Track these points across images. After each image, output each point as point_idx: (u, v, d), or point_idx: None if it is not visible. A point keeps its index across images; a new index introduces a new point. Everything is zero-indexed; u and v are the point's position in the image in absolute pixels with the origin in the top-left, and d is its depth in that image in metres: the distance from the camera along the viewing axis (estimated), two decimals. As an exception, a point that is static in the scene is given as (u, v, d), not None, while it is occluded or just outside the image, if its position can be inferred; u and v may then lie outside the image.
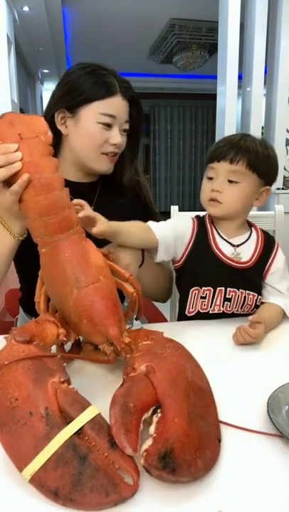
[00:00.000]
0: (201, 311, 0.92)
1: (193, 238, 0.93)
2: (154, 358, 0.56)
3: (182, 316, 0.95)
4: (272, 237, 0.98)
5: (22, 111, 4.36)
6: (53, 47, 5.08)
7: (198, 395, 0.54)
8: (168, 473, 0.43)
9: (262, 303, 0.93)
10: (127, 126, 0.98)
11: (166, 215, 1.12)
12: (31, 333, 0.59)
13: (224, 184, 0.87)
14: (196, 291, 0.91)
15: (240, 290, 0.90)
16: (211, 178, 0.89)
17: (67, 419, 0.47)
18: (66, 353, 0.67)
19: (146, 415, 0.49)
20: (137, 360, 0.56)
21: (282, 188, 3.22)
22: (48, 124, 0.96)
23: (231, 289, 0.90)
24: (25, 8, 3.77)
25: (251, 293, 0.91)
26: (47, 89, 7.28)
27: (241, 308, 0.92)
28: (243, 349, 0.80)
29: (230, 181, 0.87)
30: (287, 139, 3.23)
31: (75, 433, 0.45)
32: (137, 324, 0.99)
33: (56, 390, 0.49)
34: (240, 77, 2.98)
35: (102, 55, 5.68)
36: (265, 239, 0.95)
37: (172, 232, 0.90)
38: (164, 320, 1.43)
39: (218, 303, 0.91)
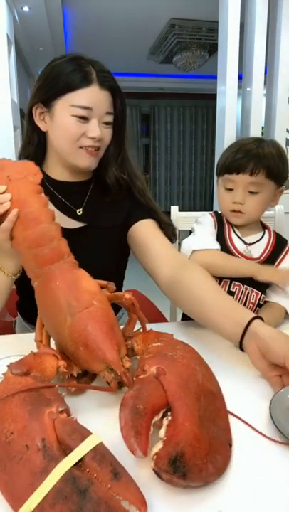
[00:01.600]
0: None
1: (216, 232, 0.97)
2: (164, 360, 0.56)
3: (184, 315, 0.95)
4: (284, 239, 1.00)
5: (22, 111, 4.36)
6: (53, 47, 5.07)
7: (209, 399, 0.53)
8: (178, 478, 0.43)
9: (265, 301, 0.94)
10: (109, 119, 0.92)
11: (165, 215, 1.11)
12: (29, 365, 0.58)
13: (245, 196, 0.88)
14: None
15: (245, 286, 0.91)
16: (230, 190, 0.90)
17: (67, 451, 0.44)
18: (64, 383, 0.64)
19: (156, 418, 0.49)
20: (147, 362, 0.56)
21: (282, 188, 3.22)
22: (28, 120, 0.96)
23: (236, 283, 0.91)
24: (25, 8, 3.76)
25: (255, 290, 0.92)
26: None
27: (244, 305, 0.91)
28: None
29: (250, 192, 0.88)
30: (287, 139, 3.23)
31: (75, 465, 0.42)
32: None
33: (54, 420, 0.47)
34: (240, 77, 2.98)
35: (102, 55, 5.64)
36: (276, 239, 0.98)
37: (213, 239, 0.94)
38: (164, 320, 1.42)
39: None
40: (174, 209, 1.26)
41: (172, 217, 1.23)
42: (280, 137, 3.17)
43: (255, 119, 3.03)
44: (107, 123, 0.92)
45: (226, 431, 0.52)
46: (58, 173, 1.00)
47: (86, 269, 0.77)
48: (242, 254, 0.93)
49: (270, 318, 0.85)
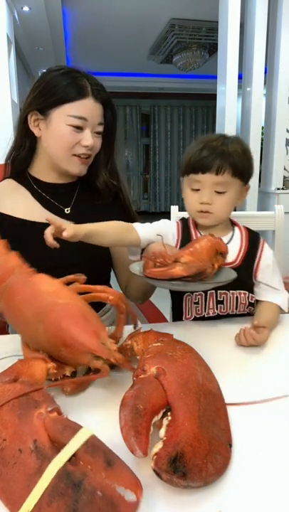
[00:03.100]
0: (197, 316, 0.92)
1: (179, 241, 0.92)
2: (164, 360, 0.56)
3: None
4: (256, 233, 0.96)
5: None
6: (53, 47, 5.08)
7: (209, 399, 0.53)
8: (178, 478, 0.43)
9: (256, 301, 0.93)
10: (100, 129, 0.98)
11: (166, 215, 1.11)
12: (16, 372, 0.57)
13: (212, 196, 0.86)
14: (189, 297, 0.92)
15: (231, 291, 0.90)
16: (196, 190, 0.87)
17: (60, 448, 0.44)
18: (53, 383, 0.62)
19: (156, 418, 0.49)
20: (147, 362, 0.56)
21: (282, 188, 3.22)
22: (22, 126, 1.01)
23: (222, 292, 0.90)
24: (25, 8, 3.77)
25: (242, 292, 0.91)
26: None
27: (236, 308, 0.92)
28: (244, 350, 0.80)
29: (217, 192, 0.86)
30: (287, 139, 3.23)
31: (69, 460, 0.42)
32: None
33: (44, 420, 0.47)
34: (240, 77, 2.98)
35: (102, 55, 5.69)
36: (249, 236, 0.93)
37: (154, 234, 0.89)
38: (164, 320, 1.42)
39: (211, 306, 0.91)
40: (174, 209, 1.26)
41: (172, 217, 1.23)
42: (280, 137, 3.18)
43: (255, 119, 3.04)
44: (98, 132, 0.98)
45: (226, 431, 0.52)
46: (45, 175, 1.05)
47: (76, 267, 0.78)
48: None
49: (269, 319, 0.86)
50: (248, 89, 3.02)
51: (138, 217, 1.08)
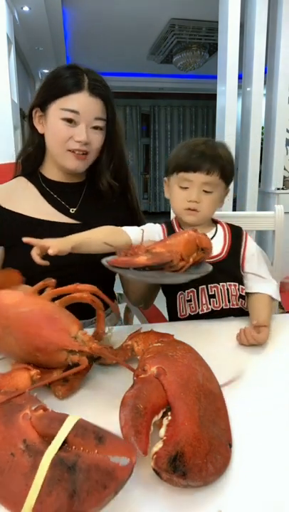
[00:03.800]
0: (192, 314, 0.93)
1: None
2: (165, 360, 0.56)
3: (174, 320, 0.96)
4: (238, 227, 1.00)
5: (22, 111, 4.36)
6: (53, 47, 5.08)
7: (210, 399, 0.53)
8: (178, 477, 0.43)
9: (247, 295, 0.94)
10: (98, 124, 0.96)
11: (166, 215, 1.12)
12: None
13: (200, 194, 0.90)
14: (182, 296, 0.93)
15: (222, 283, 0.92)
16: (184, 188, 0.91)
17: (51, 441, 0.44)
18: (36, 384, 0.59)
19: (156, 418, 0.49)
20: (147, 362, 0.56)
21: (282, 188, 3.22)
22: (29, 123, 1.01)
23: (212, 285, 0.92)
24: (25, 8, 3.76)
25: (232, 283, 0.93)
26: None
27: (229, 301, 0.93)
28: (244, 350, 0.80)
29: (204, 191, 0.90)
30: (287, 139, 3.23)
31: (60, 448, 0.43)
32: (136, 324, 0.99)
33: (30, 419, 0.47)
34: (240, 77, 2.98)
35: (102, 55, 5.69)
36: (231, 230, 0.98)
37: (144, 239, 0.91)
38: (164, 320, 1.42)
39: (204, 301, 0.92)
40: (174, 209, 1.26)
41: (172, 216, 1.23)
42: (280, 137, 3.18)
43: (255, 119, 3.04)
44: (96, 127, 0.96)
45: (226, 431, 0.52)
46: (54, 173, 1.04)
47: (82, 265, 0.78)
48: None
49: (267, 316, 0.86)
50: (248, 89, 3.02)
51: (145, 220, 1.07)
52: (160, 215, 7.87)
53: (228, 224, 1.00)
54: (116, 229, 0.88)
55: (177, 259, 0.71)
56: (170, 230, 0.96)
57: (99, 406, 0.60)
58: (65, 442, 0.43)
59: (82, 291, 0.71)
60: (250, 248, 0.96)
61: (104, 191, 1.05)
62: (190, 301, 0.92)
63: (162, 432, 0.47)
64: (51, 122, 0.95)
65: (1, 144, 2.99)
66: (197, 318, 0.92)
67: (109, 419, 0.48)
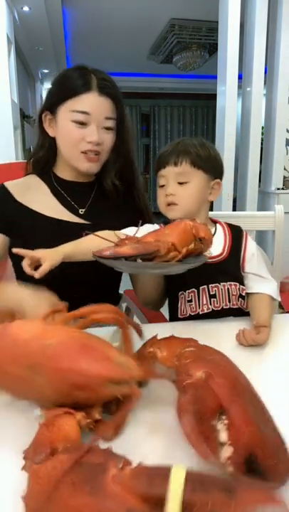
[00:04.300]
0: (192, 314, 0.93)
1: None
2: (208, 363, 0.55)
3: (174, 320, 0.96)
4: (238, 226, 1.00)
5: (22, 111, 4.36)
6: (53, 47, 5.08)
7: (255, 401, 0.52)
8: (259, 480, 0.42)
9: (248, 295, 0.94)
10: (109, 124, 0.95)
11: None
12: (48, 441, 0.44)
13: (175, 187, 0.91)
14: (182, 296, 0.93)
15: (222, 283, 0.92)
16: (162, 186, 0.93)
17: (159, 503, 0.34)
18: (100, 433, 0.51)
19: (214, 422, 0.48)
20: (191, 367, 0.54)
21: (282, 188, 3.23)
22: (39, 126, 1.01)
23: (213, 285, 0.92)
24: (25, 8, 3.76)
25: (233, 283, 0.93)
26: (47, 90, 7.25)
27: (229, 301, 0.93)
28: (244, 350, 0.80)
29: (180, 183, 0.91)
30: (287, 139, 3.23)
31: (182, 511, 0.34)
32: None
33: (122, 482, 0.36)
34: (240, 77, 2.98)
35: (102, 55, 5.69)
36: (231, 230, 0.98)
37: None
38: (164, 320, 1.42)
39: (204, 302, 0.92)
40: (174, 209, 1.26)
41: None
42: (280, 137, 3.18)
43: (255, 119, 3.04)
44: (107, 128, 0.96)
45: (277, 432, 0.50)
46: (66, 174, 1.04)
47: (87, 265, 0.77)
48: None
49: (267, 316, 0.86)
50: (248, 89, 3.02)
51: (154, 221, 1.05)
52: (160, 215, 7.86)
53: (227, 224, 1.00)
54: (113, 232, 0.87)
55: (165, 249, 0.68)
56: None
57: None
58: (182, 502, 0.34)
59: (100, 312, 0.61)
60: (251, 248, 0.96)
61: (109, 191, 1.04)
62: (191, 301, 0.92)
63: (224, 436, 0.46)
64: (62, 125, 0.95)
65: (1, 144, 2.99)
66: (197, 318, 0.92)
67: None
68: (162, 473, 0.36)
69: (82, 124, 0.92)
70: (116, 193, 1.05)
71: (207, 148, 0.93)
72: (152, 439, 0.53)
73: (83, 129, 0.93)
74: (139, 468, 0.38)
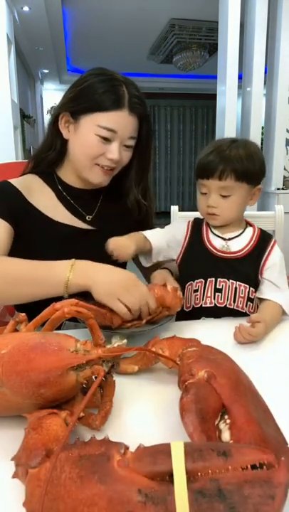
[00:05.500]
0: (195, 306, 0.93)
1: (188, 236, 0.99)
2: (210, 363, 0.55)
3: (180, 313, 0.95)
4: (269, 234, 1.00)
5: (22, 111, 4.36)
6: (53, 47, 5.09)
7: (257, 400, 0.52)
8: None
9: (259, 299, 0.93)
10: (131, 143, 0.94)
11: (166, 215, 1.12)
12: (40, 443, 0.43)
13: (217, 200, 0.91)
14: (190, 286, 0.94)
15: (231, 281, 0.92)
16: (204, 193, 0.93)
17: (166, 477, 0.37)
18: (87, 421, 0.52)
19: (216, 421, 0.48)
20: (194, 366, 0.55)
21: (282, 188, 3.23)
22: (52, 126, 0.98)
23: (221, 279, 0.92)
24: (25, 8, 3.77)
25: (242, 284, 0.92)
26: (47, 89, 7.28)
27: (234, 301, 0.92)
28: (244, 350, 0.80)
29: (222, 195, 0.90)
30: (287, 139, 3.23)
31: (188, 480, 0.36)
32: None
33: (128, 465, 0.38)
34: (240, 77, 2.98)
35: (102, 55, 5.69)
36: (260, 234, 0.97)
37: (166, 239, 0.98)
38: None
39: (209, 294, 0.92)
40: (174, 209, 1.26)
41: (172, 217, 1.23)
42: (280, 137, 3.19)
43: (255, 119, 3.04)
44: (127, 146, 0.94)
45: (279, 431, 0.50)
46: (72, 179, 1.02)
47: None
48: (219, 250, 0.94)
49: (266, 315, 0.85)
50: (248, 89, 3.02)
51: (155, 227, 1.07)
52: (160, 215, 7.82)
53: (260, 228, 1.00)
54: (142, 236, 0.94)
55: (117, 322, 0.76)
56: (197, 227, 0.99)
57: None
58: (186, 473, 0.37)
59: (62, 309, 0.60)
60: (274, 256, 0.95)
61: (131, 208, 1.05)
62: (197, 291, 0.93)
63: (227, 436, 0.47)
64: (83, 133, 0.91)
65: (1, 144, 2.99)
66: (200, 313, 0.92)
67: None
68: (164, 451, 0.38)
69: (105, 139, 0.89)
70: (138, 209, 1.05)
71: (254, 160, 0.90)
72: (147, 426, 0.53)
73: (105, 145, 0.90)
74: (141, 450, 0.39)
